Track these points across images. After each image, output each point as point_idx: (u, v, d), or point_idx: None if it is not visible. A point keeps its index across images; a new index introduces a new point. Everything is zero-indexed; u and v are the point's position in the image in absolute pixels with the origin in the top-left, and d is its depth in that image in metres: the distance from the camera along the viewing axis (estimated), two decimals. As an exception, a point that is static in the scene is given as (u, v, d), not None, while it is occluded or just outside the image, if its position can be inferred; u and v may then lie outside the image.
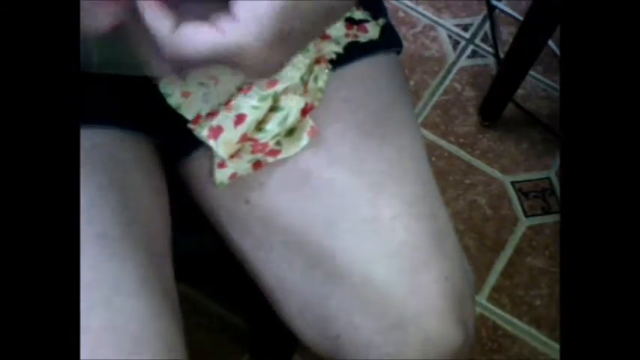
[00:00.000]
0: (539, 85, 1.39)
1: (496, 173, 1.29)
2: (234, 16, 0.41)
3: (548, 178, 1.30)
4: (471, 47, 1.41)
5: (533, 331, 1.16)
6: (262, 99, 0.59)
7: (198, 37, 0.41)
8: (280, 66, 0.43)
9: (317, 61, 0.62)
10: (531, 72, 1.36)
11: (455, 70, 1.38)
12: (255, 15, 0.40)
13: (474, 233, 1.23)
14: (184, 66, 0.44)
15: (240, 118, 0.58)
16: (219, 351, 1.07)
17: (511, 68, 1.25)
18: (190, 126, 0.60)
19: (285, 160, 0.59)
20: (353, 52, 0.63)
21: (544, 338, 1.16)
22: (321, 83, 0.61)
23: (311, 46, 0.61)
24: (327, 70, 0.62)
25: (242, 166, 0.59)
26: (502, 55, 1.37)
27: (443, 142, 1.31)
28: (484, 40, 1.42)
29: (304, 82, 0.60)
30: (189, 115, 0.60)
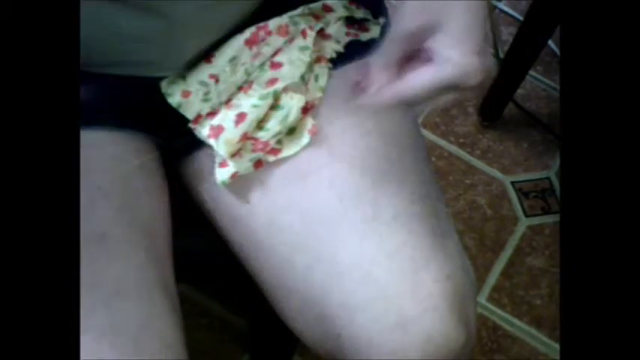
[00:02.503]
0: (539, 85, 1.39)
1: (496, 173, 1.29)
2: (443, 52, 0.50)
3: (548, 178, 1.30)
4: (471, 47, 1.41)
5: (533, 331, 1.16)
6: (262, 97, 0.59)
7: (425, 77, 0.50)
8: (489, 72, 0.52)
9: (317, 59, 0.62)
10: (531, 72, 1.36)
11: (455, 70, 1.38)
12: (462, 36, 0.51)
13: (474, 233, 1.23)
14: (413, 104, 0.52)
15: (240, 117, 0.58)
16: (219, 351, 1.07)
17: (511, 68, 1.25)
18: (191, 125, 0.60)
19: (286, 158, 0.59)
20: (354, 51, 0.63)
21: (544, 338, 1.16)
22: (321, 82, 0.61)
23: (311, 45, 0.61)
24: (327, 69, 0.62)
25: (243, 165, 0.59)
26: (502, 55, 1.37)
27: (443, 142, 1.31)
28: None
29: (305, 80, 0.60)
30: (190, 115, 0.60)
